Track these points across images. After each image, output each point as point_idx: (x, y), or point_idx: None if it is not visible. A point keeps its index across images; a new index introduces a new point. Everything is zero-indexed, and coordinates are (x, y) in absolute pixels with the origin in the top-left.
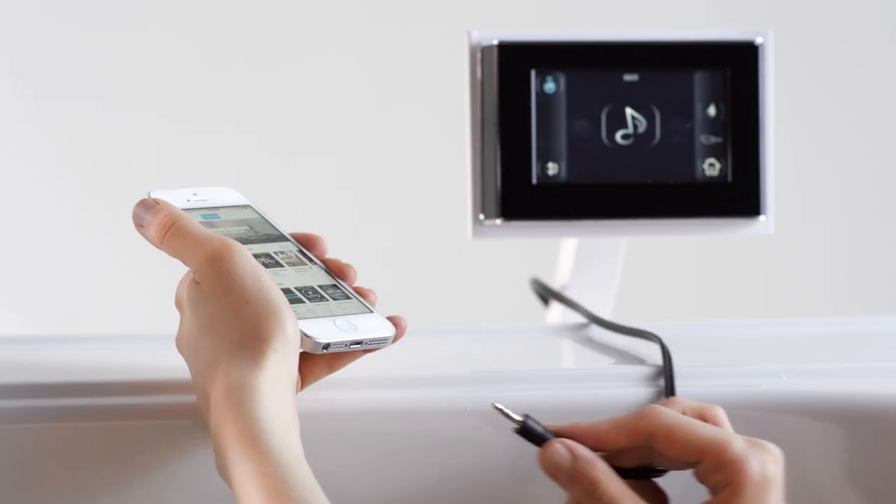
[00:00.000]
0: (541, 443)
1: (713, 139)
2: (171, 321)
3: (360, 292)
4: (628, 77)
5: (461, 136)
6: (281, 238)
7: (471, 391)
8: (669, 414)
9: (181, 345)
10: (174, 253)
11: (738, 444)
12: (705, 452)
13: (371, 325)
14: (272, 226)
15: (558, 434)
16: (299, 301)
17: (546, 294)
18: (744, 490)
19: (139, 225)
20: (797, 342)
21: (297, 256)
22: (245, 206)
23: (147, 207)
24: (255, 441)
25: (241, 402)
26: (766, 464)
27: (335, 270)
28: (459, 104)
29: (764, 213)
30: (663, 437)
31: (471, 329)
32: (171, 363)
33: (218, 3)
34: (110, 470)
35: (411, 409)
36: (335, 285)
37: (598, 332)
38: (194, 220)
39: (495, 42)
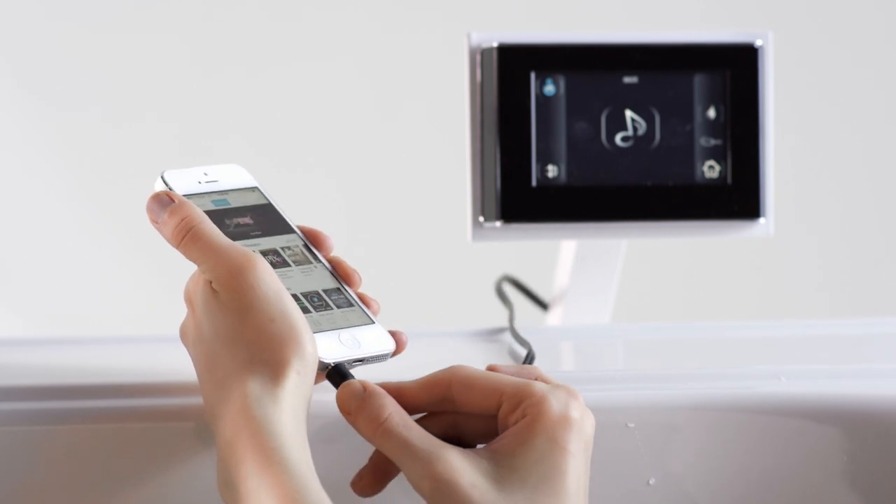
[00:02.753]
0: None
1: (713, 141)
2: (172, 322)
3: (364, 300)
4: (628, 79)
5: (461, 139)
6: (287, 229)
7: None
8: (472, 368)
9: (187, 340)
10: (191, 258)
11: (540, 385)
12: (504, 393)
13: (373, 341)
14: (279, 213)
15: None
16: (305, 311)
17: (500, 293)
18: (539, 422)
19: (154, 220)
20: (797, 344)
21: (303, 253)
22: (253, 189)
23: (162, 204)
24: (273, 454)
25: (262, 417)
26: (568, 405)
27: (341, 275)
28: (459, 106)
29: (763, 216)
30: (461, 384)
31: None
32: (172, 366)
33: (217, 8)
34: (111, 473)
35: None
36: (339, 289)
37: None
38: (212, 225)
39: (495, 44)
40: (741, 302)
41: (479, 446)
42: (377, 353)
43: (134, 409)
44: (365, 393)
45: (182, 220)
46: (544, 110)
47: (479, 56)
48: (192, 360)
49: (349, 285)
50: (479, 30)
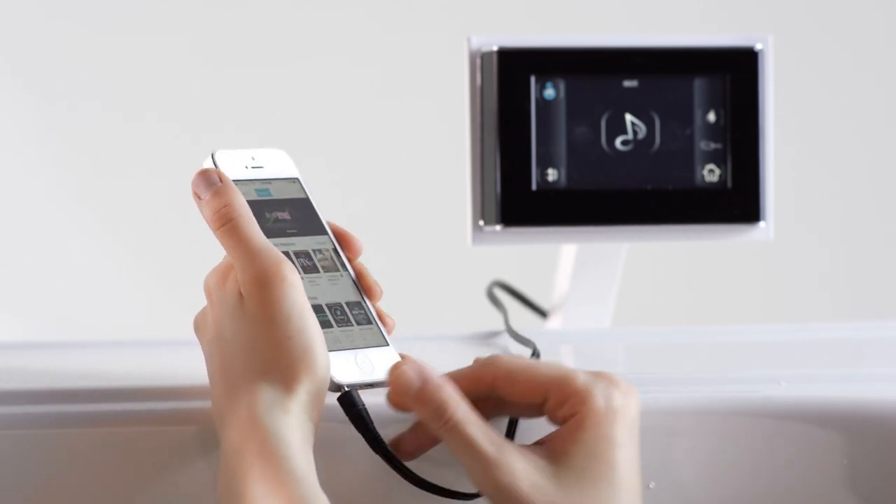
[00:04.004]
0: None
1: (713, 145)
2: (172, 325)
3: (380, 316)
4: (628, 83)
5: (461, 142)
6: (320, 229)
7: None
8: (512, 359)
9: (202, 334)
10: (224, 246)
11: (581, 376)
12: (549, 388)
13: (386, 365)
14: (314, 210)
15: None
16: (328, 325)
17: (491, 297)
18: (587, 419)
19: (196, 195)
20: (797, 348)
21: (332, 258)
22: (294, 180)
23: (208, 183)
24: (282, 462)
25: (272, 426)
26: (611, 395)
27: (364, 288)
28: (459, 110)
29: (763, 220)
30: (505, 380)
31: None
32: (173, 369)
33: (217, 9)
34: (111, 476)
35: (409, 417)
36: (360, 303)
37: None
38: (252, 220)
39: (495, 48)
40: (741, 306)
41: (535, 442)
42: (387, 379)
43: (135, 413)
44: (423, 383)
45: (225, 206)
46: (544, 114)
47: (480, 60)
48: (206, 356)
49: (369, 298)
50: (479, 33)
